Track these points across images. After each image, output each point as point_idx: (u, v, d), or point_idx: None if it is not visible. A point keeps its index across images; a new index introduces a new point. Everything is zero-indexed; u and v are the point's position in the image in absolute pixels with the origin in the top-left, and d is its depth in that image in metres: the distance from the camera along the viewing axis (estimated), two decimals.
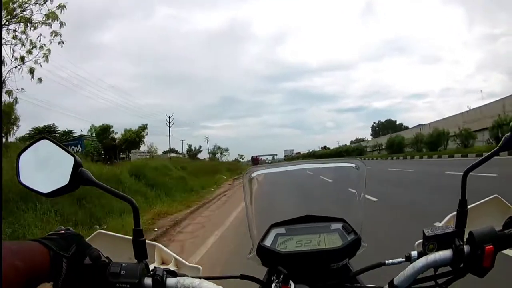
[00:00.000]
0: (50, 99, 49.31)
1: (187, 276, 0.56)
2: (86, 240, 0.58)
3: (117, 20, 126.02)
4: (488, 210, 0.71)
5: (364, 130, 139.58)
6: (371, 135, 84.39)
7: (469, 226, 0.60)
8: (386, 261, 0.62)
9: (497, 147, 0.61)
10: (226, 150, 64.26)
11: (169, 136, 38.63)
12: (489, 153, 0.61)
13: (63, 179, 0.57)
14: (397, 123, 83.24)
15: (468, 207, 0.62)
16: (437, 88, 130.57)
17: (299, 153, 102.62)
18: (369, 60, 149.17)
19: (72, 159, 0.57)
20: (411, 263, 0.58)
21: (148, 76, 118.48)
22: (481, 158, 0.62)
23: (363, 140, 74.97)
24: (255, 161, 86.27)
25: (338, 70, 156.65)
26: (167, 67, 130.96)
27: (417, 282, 0.59)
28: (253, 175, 0.68)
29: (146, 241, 0.61)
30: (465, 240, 0.59)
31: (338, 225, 0.68)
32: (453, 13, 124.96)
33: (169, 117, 39.21)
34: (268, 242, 0.66)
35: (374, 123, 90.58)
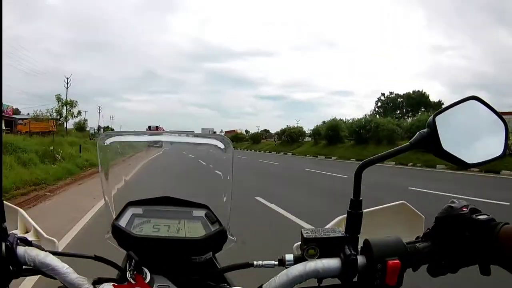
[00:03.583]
0: None
1: (41, 247, 0.52)
2: None
3: None
4: (392, 217, 0.62)
5: (284, 120, 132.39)
6: (376, 112, 51.04)
7: (367, 234, 0.50)
8: (255, 262, 0.53)
9: (407, 143, 0.52)
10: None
11: None
12: (396, 148, 0.52)
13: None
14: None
15: (366, 210, 0.53)
16: (367, 88, 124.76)
17: (234, 131, 74.49)
18: (295, 50, 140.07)
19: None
20: (286, 268, 0.50)
21: (72, 40, 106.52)
22: (383, 153, 0.52)
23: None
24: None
25: (262, 56, 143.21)
26: (91, 32, 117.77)
27: None
28: (107, 141, 0.60)
29: (10, 204, 0.56)
30: (359, 249, 0.50)
31: (201, 213, 0.62)
32: (401, 16, 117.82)
33: None
34: (123, 222, 0.59)
35: (383, 95, 52.49)
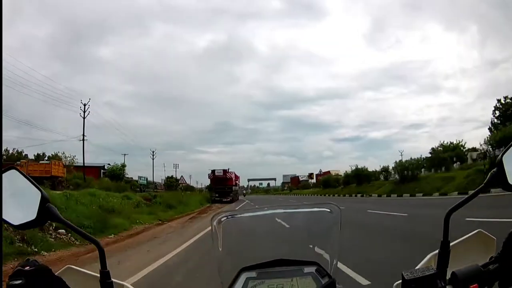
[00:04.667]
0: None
1: None
2: (56, 274, 0.59)
3: (113, 36, 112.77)
4: (472, 246, 0.71)
5: (360, 160, 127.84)
6: (494, 123, 34.95)
7: (453, 264, 0.61)
8: None
9: (482, 184, 0.60)
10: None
11: None
12: (473, 191, 0.60)
13: (31, 213, 0.58)
14: None
15: (451, 244, 0.62)
16: (435, 117, 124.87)
17: (329, 172, 62.43)
18: (367, 89, 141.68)
19: (39, 193, 0.58)
20: None
21: (142, 96, 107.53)
22: (464, 197, 0.61)
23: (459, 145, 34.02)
24: (217, 181, 36.00)
25: (335, 99, 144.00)
26: (162, 87, 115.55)
27: None
28: (223, 218, 0.67)
29: (115, 280, 0.62)
30: (447, 280, 0.60)
31: (312, 269, 0.67)
32: (453, 40, 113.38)
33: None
34: (238, 287, 0.65)
35: (498, 101, 36.00)
